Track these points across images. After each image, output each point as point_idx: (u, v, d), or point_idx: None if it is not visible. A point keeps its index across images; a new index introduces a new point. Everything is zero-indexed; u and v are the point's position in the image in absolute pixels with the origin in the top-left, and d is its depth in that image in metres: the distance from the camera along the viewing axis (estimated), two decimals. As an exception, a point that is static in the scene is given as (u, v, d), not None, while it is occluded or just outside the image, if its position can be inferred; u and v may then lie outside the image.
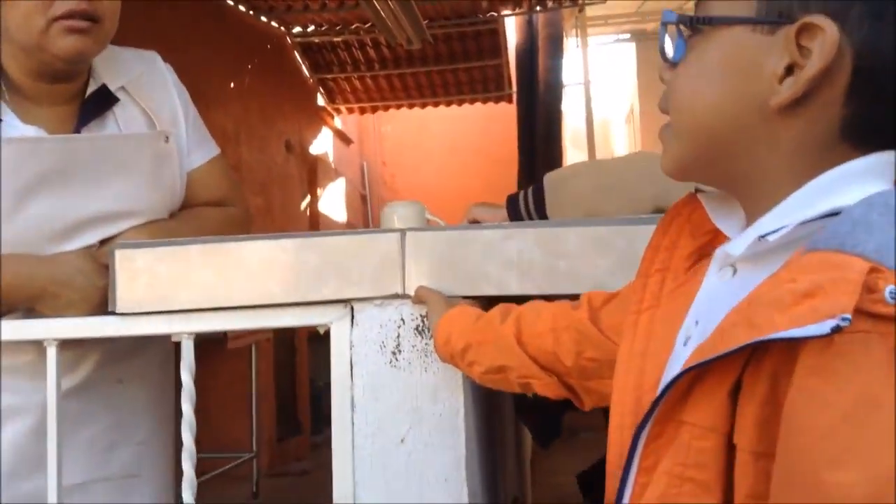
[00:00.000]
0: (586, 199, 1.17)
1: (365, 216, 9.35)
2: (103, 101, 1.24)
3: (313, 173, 7.43)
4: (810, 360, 0.45)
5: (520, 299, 1.06)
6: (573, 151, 9.08)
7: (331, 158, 8.17)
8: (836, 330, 0.43)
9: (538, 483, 3.78)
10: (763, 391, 0.49)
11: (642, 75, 8.90)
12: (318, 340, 6.10)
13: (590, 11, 7.20)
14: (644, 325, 0.68)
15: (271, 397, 5.51)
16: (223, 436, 4.61)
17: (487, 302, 1.08)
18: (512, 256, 1.03)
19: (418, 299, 1.05)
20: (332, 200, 7.97)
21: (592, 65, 7.61)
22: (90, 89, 1.24)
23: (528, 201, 1.26)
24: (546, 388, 0.88)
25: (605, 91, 10.72)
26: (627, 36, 8.98)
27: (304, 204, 7.27)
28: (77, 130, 1.21)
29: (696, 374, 0.52)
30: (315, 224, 7.36)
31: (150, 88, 1.29)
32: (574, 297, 0.90)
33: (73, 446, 1.16)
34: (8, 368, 1.17)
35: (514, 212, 1.28)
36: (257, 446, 4.74)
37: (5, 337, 1.12)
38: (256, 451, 4.70)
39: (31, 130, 1.16)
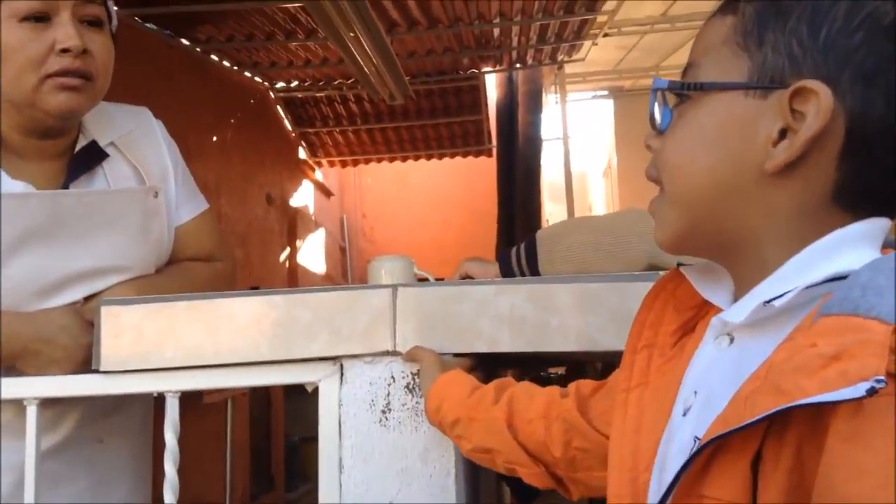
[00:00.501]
0: (578, 256, 1.18)
1: (344, 267, 9.33)
2: (92, 157, 1.23)
3: (293, 225, 7.42)
4: (842, 426, 0.45)
5: (511, 356, 1.05)
6: (551, 205, 9.15)
7: (311, 211, 8.18)
8: (872, 392, 0.43)
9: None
10: (788, 460, 0.48)
11: (619, 130, 9.04)
12: (295, 394, 6.02)
13: (568, 69, 7.33)
14: (634, 403, 0.68)
15: (245, 453, 5.41)
16: (196, 492, 4.50)
17: (478, 359, 1.07)
18: (504, 312, 1.03)
19: (410, 358, 1.03)
20: (312, 252, 7.95)
21: (571, 120, 7.72)
22: (79, 145, 1.23)
23: (520, 257, 1.26)
24: (532, 477, 0.87)
25: (583, 145, 10.87)
26: (605, 92, 9.14)
27: (283, 256, 7.25)
28: (65, 186, 1.20)
29: (714, 447, 0.51)
30: (294, 276, 7.32)
31: (140, 144, 1.29)
32: (569, 356, 0.90)
33: (51, 508, 1.13)
34: None
35: (507, 267, 1.28)
36: (230, 503, 4.62)
37: (-16, 395, 1.09)
38: (230, 509, 4.58)
39: (19, 186, 1.15)
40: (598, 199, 10.99)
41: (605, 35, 6.04)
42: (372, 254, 9.46)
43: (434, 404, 0.95)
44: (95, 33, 1.16)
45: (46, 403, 1.08)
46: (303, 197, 7.94)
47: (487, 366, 1.14)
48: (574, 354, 1.10)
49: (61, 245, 1.15)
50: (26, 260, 1.13)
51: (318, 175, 8.49)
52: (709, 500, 0.52)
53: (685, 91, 0.61)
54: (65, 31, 1.12)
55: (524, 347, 1.02)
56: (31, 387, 1.08)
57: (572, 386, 0.87)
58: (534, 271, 1.23)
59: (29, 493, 1.05)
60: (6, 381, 1.10)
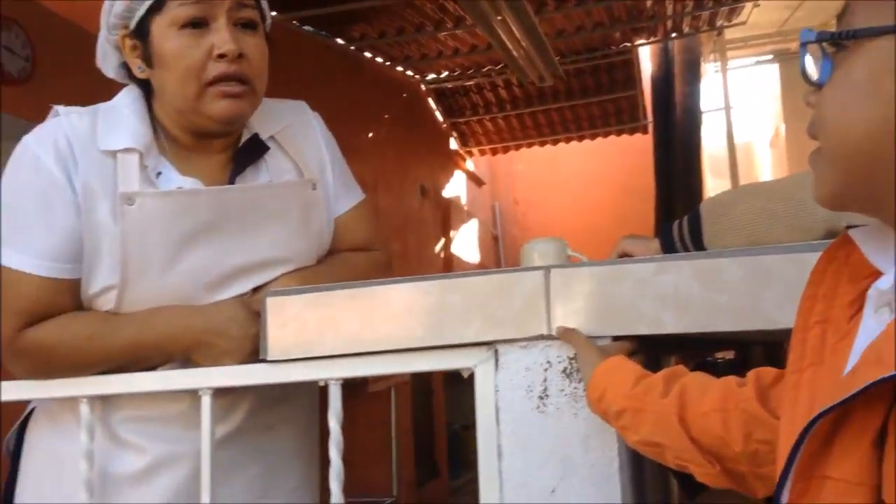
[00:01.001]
0: (749, 226, 1.08)
1: (497, 256, 9.35)
2: (255, 151, 1.27)
3: (447, 217, 7.52)
4: None
5: (676, 338, 0.99)
6: (714, 179, 8.73)
7: (464, 201, 8.25)
8: None
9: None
10: None
11: (787, 96, 8.48)
12: (455, 382, 6.11)
13: (729, 34, 6.95)
14: (807, 385, 0.63)
15: (410, 441, 5.53)
16: (363, 479, 4.65)
17: (639, 341, 1.02)
18: (667, 292, 0.97)
19: (565, 339, 1.00)
20: (466, 242, 8.02)
21: (733, 88, 7.33)
22: (243, 139, 1.27)
23: (682, 231, 1.18)
24: (707, 477, 0.81)
25: (747, 115, 10.29)
26: (770, 56, 8.60)
27: (438, 247, 7.36)
28: (231, 180, 1.24)
29: (834, 424, 0.48)
30: (449, 266, 7.42)
31: (298, 138, 1.32)
32: (739, 337, 0.83)
33: (226, 495, 1.18)
34: (162, 418, 1.20)
35: (668, 243, 1.20)
36: (398, 490, 4.75)
37: (161, 387, 1.16)
38: (397, 496, 4.71)
39: (188, 182, 1.21)
40: (766, 171, 10.38)
41: (768, -4, 5.65)
42: (525, 241, 9.39)
43: (596, 393, 0.91)
44: (250, 36, 1.20)
45: (219, 393, 1.13)
46: (455, 187, 8.02)
47: (648, 351, 1.08)
48: (746, 335, 1.02)
49: (228, 239, 1.20)
50: (196, 254, 1.18)
51: (470, 164, 8.55)
52: (833, 481, 0.48)
53: (836, 41, 0.57)
54: (221, 37, 1.16)
55: (690, 328, 0.96)
56: (204, 377, 1.13)
57: (751, 374, 0.80)
58: (698, 246, 1.16)
59: (205, 480, 1.10)
60: (182, 372, 1.16)
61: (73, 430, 1.17)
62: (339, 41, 5.46)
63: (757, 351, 2.18)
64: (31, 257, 1.14)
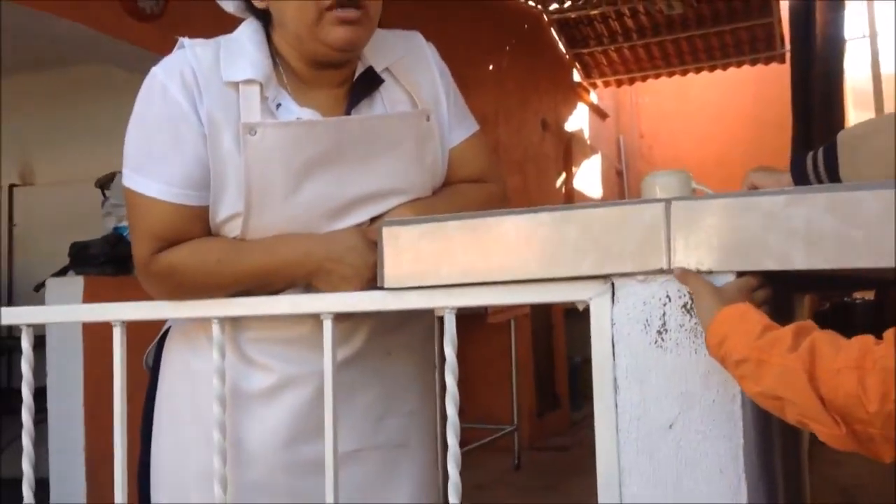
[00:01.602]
0: (889, 159, 1.01)
1: (621, 191, 9.15)
2: (370, 83, 1.28)
3: (569, 151, 7.39)
4: None
5: (810, 276, 0.94)
6: (857, 113, 8.15)
7: (586, 134, 8.07)
8: None
9: (818, 475, 3.47)
10: None
11: (944, 21, 7.75)
12: (575, 316, 6.08)
13: (878, -46, 6.39)
14: None
15: (530, 372, 5.59)
16: (484, 408, 4.75)
17: (766, 278, 0.97)
18: (798, 226, 0.91)
19: (682, 281, 0.96)
20: (588, 177, 7.87)
21: (880, 15, 6.77)
22: (358, 71, 1.28)
23: (817, 163, 1.11)
24: (832, 438, 0.77)
25: (894, 44, 9.49)
26: (925, -22, 7.86)
27: (559, 182, 7.26)
28: (348, 112, 1.26)
29: None
30: (570, 201, 7.32)
31: (412, 69, 1.31)
32: (875, 275, 0.78)
33: (347, 415, 1.23)
34: (287, 340, 1.25)
35: (801, 176, 1.13)
36: (518, 420, 4.83)
37: (285, 310, 1.21)
38: (517, 425, 4.79)
39: (306, 113, 1.23)
40: (916, 104, 9.60)
41: None
42: (651, 175, 9.13)
43: (716, 339, 0.88)
44: None
45: (340, 318, 1.17)
46: (577, 121, 7.85)
47: (779, 289, 1.03)
48: (884, 273, 0.95)
49: (346, 169, 1.22)
50: (315, 184, 1.21)
51: (593, 97, 8.33)
52: None
53: None
54: None
55: (823, 265, 0.90)
56: (326, 302, 1.17)
57: (889, 332, 0.75)
58: (834, 179, 1.08)
59: (328, 400, 1.14)
60: (305, 296, 1.21)
61: (205, 348, 1.24)
62: (460, -29, 5.38)
63: (897, 293, 2.05)
64: (163, 184, 1.20)
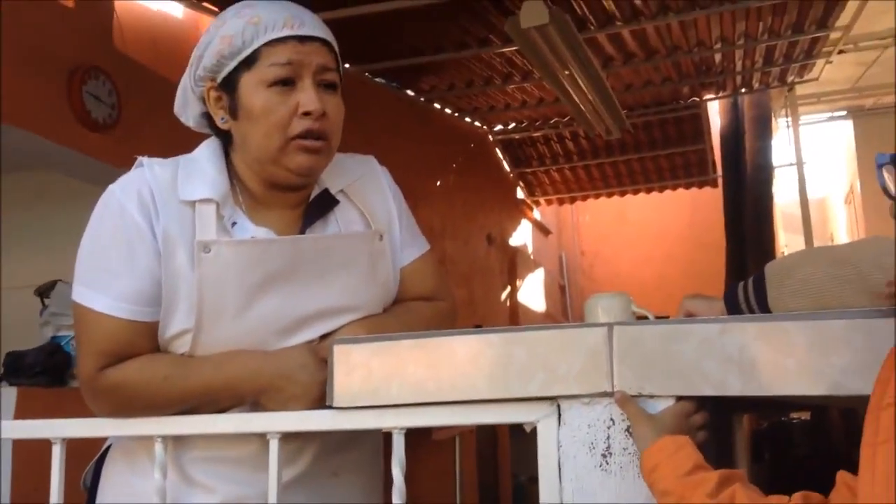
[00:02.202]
0: (815, 290, 1.08)
1: (564, 306, 9.28)
2: (325, 204, 1.32)
3: (513, 265, 7.53)
4: None
5: (743, 401, 0.98)
6: (787, 235, 8.54)
7: (530, 250, 8.25)
8: None
9: None
10: None
11: (862, 153, 8.29)
12: (520, 433, 6.04)
13: (800, 90, 6.87)
14: (883, 459, 0.67)
15: (474, 491, 5.47)
16: (428, 528, 4.61)
17: (703, 401, 1.01)
18: (732, 353, 0.96)
19: (620, 406, 1.00)
20: (532, 291, 8.00)
21: (805, 144, 7.21)
22: (314, 193, 1.33)
23: (748, 293, 1.18)
24: None
25: (820, 171, 10.07)
26: (843, 112, 8.45)
27: (504, 295, 7.36)
28: (302, 231, 1.29)
29: None
30: (515, 315, 7.40)
31: (366, 191, 1.36)
32: (807, 400, 0.83)
33: (292, 538, 1.20)
34: (232, 459, 1.24)
35: (733, 305, 1.20)
36: (462, 541, 4.69)
37: (232, 429, 1.20)
38: (461, 546, 4.65)
39: (262, 232, 1.26)
40: (841, 228, 10.10)
41: (841, 52, 5.59)
42: (592, 291, 9.33)
43: (649, 465, 0.93)
44: (331, 96, 1.26)
45: (287, 437, 1.16)
46: (522, 236, 8.04)
47: (717, 409, 1.07)
48: (815, 399, 1.00)
49: (299, 286, 1.24)
50: (268, 301, 1.22)
51: (536, 214, 8.57)
52: None
53: None
54: (307, 96, 1.22)
55: (757, 391, 0.95)
56: (273, 421, 1.17)
57: (798, 496, 0.82)
58: (763, 308, 1.15)
59: (272, 522, 1.12)
60: (252, 415, 1.20)
61: (147, 467, 1.21)
62: (410, 93, 5.60)
63: (833, 413, 2.11)
64: (114, 300, 1.20)
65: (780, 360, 0.95)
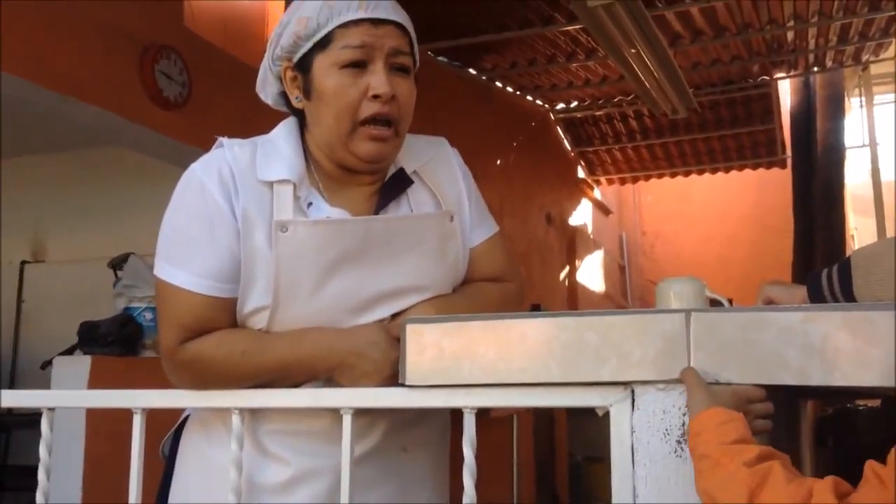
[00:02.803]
0: (902, 280, 1.05)
1: (623, 287, 9.19)
2: (400, 184, 1.34)
3: (572, 244, 7.47)
4: None
5: (823, 391, 0.96)
6: (857, 218, 8.28)
7: (589, 229, 8.17)
8: None
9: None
10: None
11: (940, 133, 7.95)
12: (577, 413, 6.03)
13: (875, 69, 6.63)
14: None
15: (531, 469, 5.50)
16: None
17: (785, 391, 0.99)
18: (815, 342, 0.94)
19: (681, 377, 0.99)
20: (591, 271, 7.93)
21: (879, 124, 6.96)
22: (389, 173, 1.34)
23: (832, 280, 1.15)
24: None
25: (893, 153, 9.71)
26: (920, 92, 8.12)
27: (562, 275, 7.31)
28: (376, 211, 1.31)
29: None
30: (573, 295, 7.35)
31: (438, 172, 1.37)
32: (886, 391, 0.81)
33: (362, 510, 1.22)
34: (305, 433, 1.26)
35: (816, 292, 1.17)
36: (517, 517, 4.73)
37: (307, 404, 1.22)
38: (516, 523, 4.69)
39: (336, 212, 1.28)
40: (914, 212, 9.74)
41: (920, 28, 5.35)
42: (652, 272, 9.21)
43: (695, 430, 0.93)
44: (403, 80, 1.27)
45: (359, 413, 1.19)
46: (581, 216, 7.97)
47: (784, 395, 1.05)
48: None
49: (371, 266, 1.26)
50: (342, 280, 1.24)
51: (597, 193, 8.47)
52: None
53: None
54: (378, 79, 1.23)
55: (840, 381, 0.93)
56: (347, 397, 1.19)
57: (829, 480, 0.81)
58: (848, 297, 1.12)
59: (344, 495, 1.15)
60: (326, 391, 1.22)
61: (223, 438, 1.25)
62: (472, 71, 5.57)
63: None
64: (196, 276, 1.23)
65: (865, 350, 0.92)
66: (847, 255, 1.17)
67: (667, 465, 1.00)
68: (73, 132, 3.86)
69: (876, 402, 4.11)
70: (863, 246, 1.18)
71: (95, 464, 2.89)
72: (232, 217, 1.23)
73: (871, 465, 0.79)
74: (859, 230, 8.28)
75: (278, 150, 1.30)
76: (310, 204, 1.28)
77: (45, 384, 3.11)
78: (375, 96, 1.23)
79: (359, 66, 1.24)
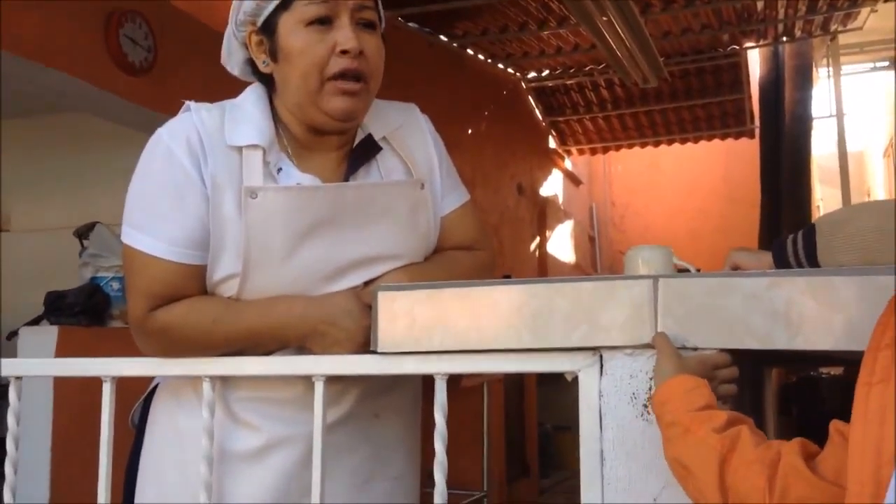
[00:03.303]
0: (866, 245, 1.06)
1: (593, 258, 9.26)
2: (369, 150, 1.33)
3: (543, 215, 7.50)
4: None
5: (789, 355, 0.98)
6: (824, 188, 8.40)
7: (560, 200, 8.20)
8: None
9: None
10: None
11: (905, 105, 8.07)
12: (547, 382, 6.10)
13: (843, 39, 6.69)
14: (877, 397, 0.69)
15: (501, 438, 5.56)
16: (455, 472, 4.69)
17: (738, 354, 1.01)
18: (779, 307, 0.96)
19: (653, 342, 1.01)
20: (561, 241, 7.97)
21: (846, 95, 7.04)
22: (358, 138, 1.33)
23: (797, 246, 1.17)
24: None
25: (860, 123, 9.85)
26: (886, 63, 8.21)
27: (533, 245, 7.34)
28: (346, 178, 1.30)
29: None
30: (543, 265, 7.39)
31: (408, 139, 1.36)
32: (854, 355, 0.84)
33: (335, 476, 1.24)
34: (277, 400, 1.27)
35: (781, 258, 1.19)
36: (488, 486, 4.78)
37: (279, 371, 1.22)
38: (487, 491, 4.74)
39: (307, 178, 1.27)
40: (878, 183, 9.91)
41: (887, 0, 5.40)
42: (622, 244, 9.29)
43: (661, 398, 0.94)
44: (369, 35, 1.25)
45: (332, 380, 1.19)
46: (552, 186, 7.99)
47: (748, 362, 1.07)
48: (858, 354, 1.00)
49: (343, 233, 1.25)
50: (313, 247, 1.24)
51: (568, 164, 8.49)
52: None
53: None
54: (344, 34, 1.22)
55: (803, 346, 0.95)
56: (319, 364, 1.19)
57: (796, 442, 0.84)
58: (812, 262, 1.14)
59: (316, 461, 1.16)
60: (298, 358, 1.23)
61: (194, 406, 1.25)
62: (442, 38, 5.53)
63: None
64: (165, 243, 1.22)
65: (828, 315, 0.94)
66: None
67: (633, 429, 1.02)
68: (36, 98, 3.77)
69: (839, 370, 4.21)
70: (826, 213, 1.20)
71: (63, 435, 2.88)
72: (200, 183, 1.22)
73: (834, 425, 0.82)
74: (825, 201, 8.41)
75: (247, 114, 1.28)
76: (279, 170, 1.26)
77: (12, 356, 3.07)
78: (343, 52, 1.21)
79: (324, 22, 1.22)
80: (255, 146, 1.25)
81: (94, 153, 4.55)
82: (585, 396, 1.06)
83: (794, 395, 4.44)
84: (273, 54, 1.26)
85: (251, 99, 1.31)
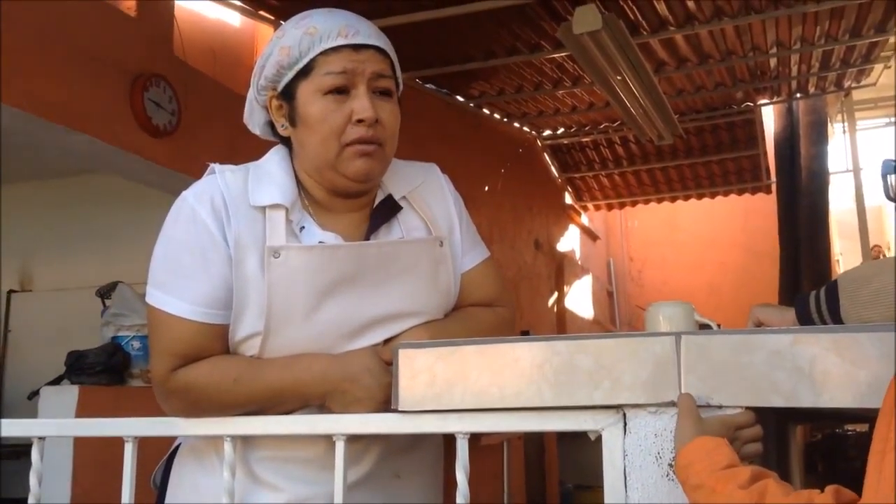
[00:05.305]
0: (890, 301, 1.06)
1: (612, 313, 9.21)
2: (389, 210, 1.35)
3: (560, 270, 7.50)
4: None
5: (814, 412, 0.97)
6: (842, 242, 8.36)
7: (577, 255, 8.21)
8: None
9: None
10: None
11: (922, 158, 8.06)
12: (567, 440, 6.01)
13: (857, 95, 6.73)
14: (890, 466, 0.68)
15: (522, 496, 5.46)
16: (475, 532, 4.61)
17: (773, 413, 1.00)
18: (803, 365, 0.95)
19: (680, 401, 1.00)
20: (579, 297, 7.95)
21: (862, 150, 7.05)
22: (378, 199, 1.35)
23: (820, 302, 1.16)
24: None
25: (876, 177, 9.82)
26: (901, 117, 8.24)
27: (551, 301, 7.33)
28: (367, 237, 1.32)
29: None
30: (562, 320, 7.36)
31: (428, 197, 1.38)
32: (874, 413, 0.82)
33: (357, 537, 1.22)
34: (298, 460, 1.26)
35: (804, 314, 1.19)
36: (509, 546, 4.68)
37: (301, 430, 1.22)
38: (508, 551, 4.64)
39: (329, 237, 1.28)
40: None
41: (900, 56, 5.45)
42: (640, 298, 9.24)
43: (684, 462, 0.93)
44: (386, 103, 1.28)
45: (352, 439, 1.18)
46: (569, 242, 8.00)
47: (773, 419, 1.06)
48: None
49: (364, 291, 1.26)
50: (335, 305, 1.25)
51: (584, 219, 8.52)
52: None
53: None
54: (361, 104, 1.25)
55: (829, 403, 0.94)
56: (340, 423, 1.19)
57: (830, 490, 0.82)
58: (835, 319, 1.13)
59: (338, 522, 1.14)
60: (320, 417, 1.22)
61: (216, 466, 1.24)
62: (459, 98, 5.62)
63: None
64: (188, 304, 1.23)
65: (853, 372, 0.93)
66: (833, 278, 1.19)
67: (659, 489, 1.01)
68: (62, 160, 3.86)
69: (864, 427, 4.13)
70: (849, 269, 1.19)
71: (83, 495, 2.86)
72: (224, 244, 1.24)
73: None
74: (844, 254, 8.36)
75: (270, 175, 1.31)
76: (302, 228, 1.28)
77: (32, 415, 3.07)
78: (360, 121, 1.24)
79: (342, 91, 1.25)
80: (278, 206, 1.27)
81: (117, 213, 4.62)
82: (610, 456, 1.05)
83: (819, 452, 4.36)
84: (292, 119, 1.29)
85: (275, 160, 1.34)
